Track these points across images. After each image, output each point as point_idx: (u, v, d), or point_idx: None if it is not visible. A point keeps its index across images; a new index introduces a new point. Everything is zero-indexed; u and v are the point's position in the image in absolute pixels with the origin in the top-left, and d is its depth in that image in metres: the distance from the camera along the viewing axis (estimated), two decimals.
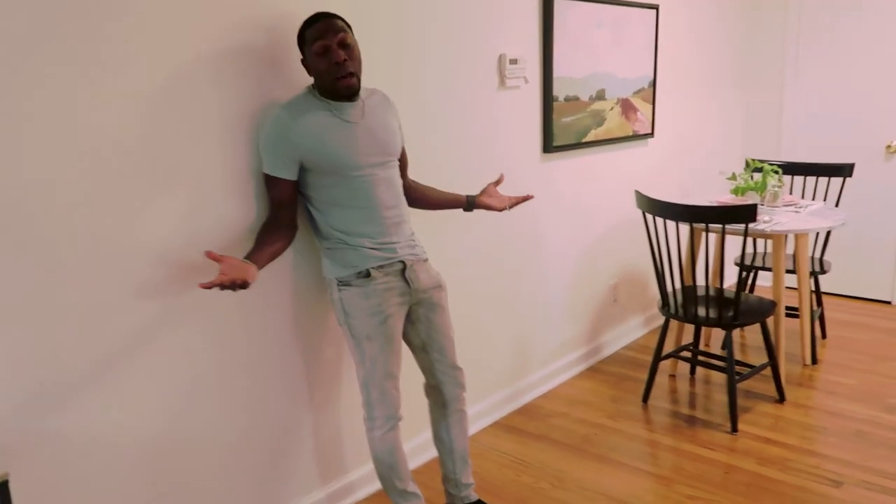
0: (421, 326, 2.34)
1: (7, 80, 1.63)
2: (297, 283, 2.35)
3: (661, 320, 4.45)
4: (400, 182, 2.30)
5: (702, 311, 3.11)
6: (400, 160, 2.36)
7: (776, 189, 3.33)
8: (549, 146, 3.30)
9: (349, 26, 2.11)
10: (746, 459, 2.85)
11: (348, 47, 2.08)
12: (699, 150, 4.60)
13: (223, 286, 1.84)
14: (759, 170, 3.46)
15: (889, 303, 4.66)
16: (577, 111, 3.44)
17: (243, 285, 1.87)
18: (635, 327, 4.21)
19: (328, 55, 2.05)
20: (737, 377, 3.10)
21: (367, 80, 2.44)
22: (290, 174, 2.12)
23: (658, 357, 3.34)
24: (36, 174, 1.71)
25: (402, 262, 2.24)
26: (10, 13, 1.62)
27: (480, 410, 3.14)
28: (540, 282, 3.42)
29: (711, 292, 3.33)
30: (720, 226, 3.01)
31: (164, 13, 1.90)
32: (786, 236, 3.29)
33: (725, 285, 4.88)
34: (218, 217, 2.10)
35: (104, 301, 1.87)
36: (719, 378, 3.63)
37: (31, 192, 1.70)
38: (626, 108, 3.79)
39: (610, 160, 3.77)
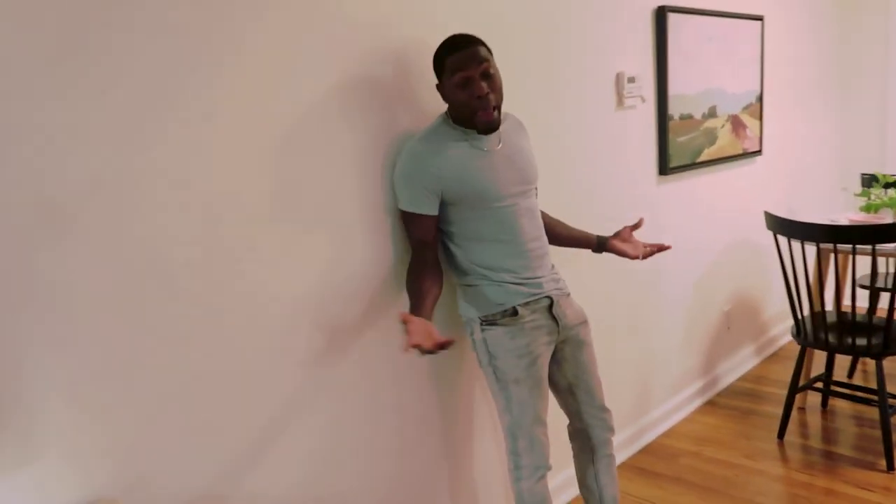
0: (567, 366, 2.17)
1: (134, 137, 1.52)
2: (435, 323, 2.19)
3: (773, 348, 4.19)
4: (539, 212, 2.14)
5: (848, 340, 2.87)
6: None
7: None
8: (664, 168, 3.12)
9: (490, 52, 1.96)
10: None
11: (490, 78, 1.92)
12: (804, 165, 4.36)
13: (425, 351, 1.68)
14: (892, 184, 3.22)
15: None
16: (691, 130, 3.25)
17: (445, 346, 1.70)
18: (748, 357, 3.96)
19: (470, 87, 1.89)
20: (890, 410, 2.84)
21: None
22: (431, 209, 1.97)
23: (795, 389, 3.09)
24: (170, 233, 1.59)
25: (549, 297, 2.08)
26: (128, 67, 1.51)
27: None
28: (657, 311, 3.22)
29: (856, 318, 3.08)
30: (853, 247, 2.78)
31: (279, 53, 1.78)
32: None
33: (846, 309, 4.59)
34: (359, 262, 1.96)
35: (257, 364, 1.73)
36: (856, 410, 3.36)
37: (173, 251, 1.58)
38: (736, 124, 3.59)
39: (721, 180, 3.57)
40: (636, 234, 2.98)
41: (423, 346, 1.68)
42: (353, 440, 1.99)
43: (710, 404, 3.53)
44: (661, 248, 2.33)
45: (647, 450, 3.12)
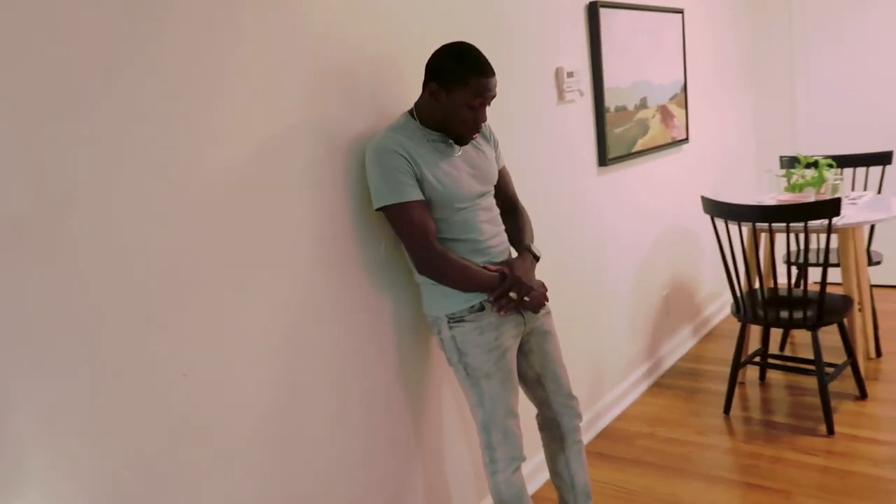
0: (534, 357, 2.20)
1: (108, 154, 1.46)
2: (398, 324, 2.18)
3: (708, 328, 4.37)
4: (497, 209, 2.16)
5: (784, 314, 3.02)
6: (502, 181, 2.22)
7: (837, 182, 3.28)
8: (604, 159, 3.20)
9: None
10: (857, 462, 2.75)
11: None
12: (726, 151, 4.56)
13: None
14: (813, 164, 3.41)
15: None
16: (626, 121, 3.35)
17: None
18: (686, 337, 4.11)
19: (477, 113, 1.94)
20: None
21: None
22: (417, 194, 1.92)
23: (737, 365, 3.23)
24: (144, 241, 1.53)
25: None
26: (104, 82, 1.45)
27: None
28: (604, 301, 3.30)
29: (791, 293, 3.25)
30: (787, 225, 2.93)
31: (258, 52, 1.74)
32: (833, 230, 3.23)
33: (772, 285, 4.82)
34: (327, 258, 1.93)
35: (220, 360, 1.68)
36: (791, 380, 3.54)
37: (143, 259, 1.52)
38: (665, 114, 3.72)
39: (654, 169, 3.70)
40: (587, 223, 3.07)
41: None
42: (323, 439, 1.96)
43: (657, 386, 3.65)
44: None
45: (603, 434, 3.20)
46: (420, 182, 1.92)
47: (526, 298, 2.04)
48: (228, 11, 1.67)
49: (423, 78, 1.99)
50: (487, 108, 2.00)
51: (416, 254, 1.96)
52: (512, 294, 2.01)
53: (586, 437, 3.13)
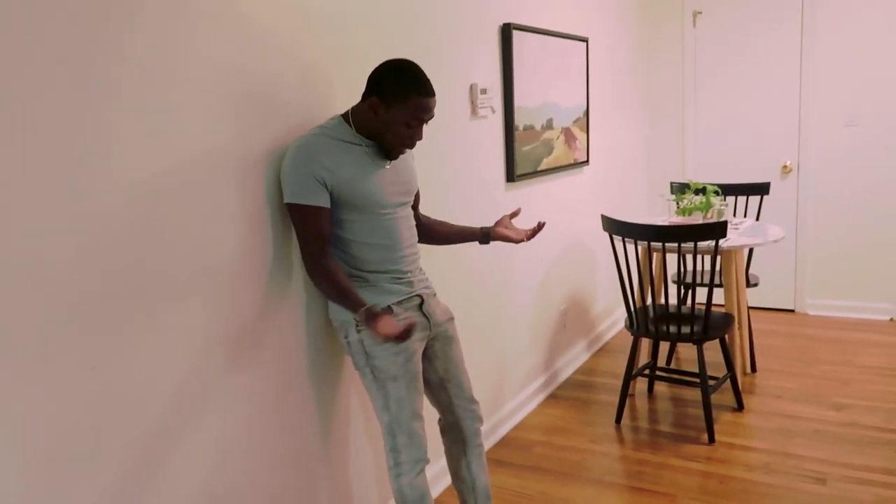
0: (438, 362, 2.25)
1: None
2: (309, 329, 2.18)
3: (601, 342, 4.56)
4: (414, 221, 2.22)
5: (673, 328, 3.21)
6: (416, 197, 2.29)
7: (722, 208, 3.53)
8: (511, 175, 3.32)
9: None
10: (734, 467, 2.95)
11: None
12: (622, 174, 4.81)
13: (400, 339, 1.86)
14: (701, 191, 3.66)
15: (793, 311, 5.05)
16: (533, 140, 3.49)
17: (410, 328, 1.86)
18: (581, 351, 4.28)
19: (414, 131, 1.99)
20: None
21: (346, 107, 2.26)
22: (324, 201, 1.96)
23: (629, 377, 3.40)
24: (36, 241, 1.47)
25: (420, 295, 2.16)
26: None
27: None
28: (507, 312, 3.40)
29: (680, 310, 3.45)
30: (678, 245, 3.13)
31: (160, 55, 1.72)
32: (720, 253, 3.49)
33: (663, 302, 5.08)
34: (238, 262, 1.91)
35: (120, 359, 1.63)
36: (676, 393, 3.76)
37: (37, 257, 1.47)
38: (568, 136, 3.89)
39: (557, 187, 3.85)
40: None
41: (396, 333, 1.84)
42: (228, 442, 1.93)
43: (553, 397, 3.78)
44: (539, 228, 2.44)
45: (502, 442, 3.28)
46: (336, 186, 1.95)
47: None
48: (136, 12, 1.64)
49: (341, 87, 2.03)
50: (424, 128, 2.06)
51: (305, 257, 2.00)
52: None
53: (486, 444, 3.20)
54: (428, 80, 1.98)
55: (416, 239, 2.21)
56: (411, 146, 2.03)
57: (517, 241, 2.43)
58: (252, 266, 1.95)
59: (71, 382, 1.50)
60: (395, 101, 1.94)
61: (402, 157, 2.15)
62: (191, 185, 1.76)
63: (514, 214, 2.46)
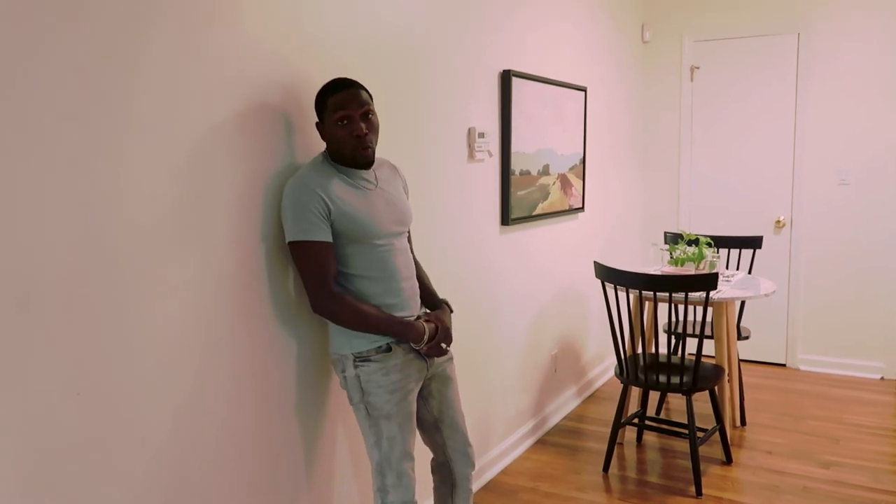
0: (434, 402, 2.24)
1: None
2: (301, 361, 2.17)
3: (591, 389, 4.54)
4: (410, 253, 2.23)
5: (663, 378, 3.20)
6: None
7: (714, 260, 3.55)
8: (506, 218, 3.34)
9: (371, 97, 2.05)
10: None
11: (369, 120, 2.02)
12: (616, 222, 4.85)
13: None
14: (694, 242, 3.69)
15: (784, 365, 5.04)
16: (529, 185, 3.52)
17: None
18: (571, 397, 4.25)
19: (350, 126, 1.98)
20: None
21: None
22: (326, 235, 1.96)
23: (618, 425, 3.38)
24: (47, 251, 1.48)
25: None
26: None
27: None
28: (496, 354, 3.39)
29: (671, 359, 3.45)
30: (669, 294, 3.15)
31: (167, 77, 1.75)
32: (709, 305, 3.50)
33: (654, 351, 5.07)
34: (229, 287, 1.92)
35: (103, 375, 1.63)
36: (665, 443, 3.73)
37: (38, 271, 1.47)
38: (564, 183, 3.93)
39: (551, 233, 3.88)
40: (484, 279, 3.16)
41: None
42: (211, 469, 1.91)
43: (541, 442, 3.75)
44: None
45: (488, 487, 3.24)
46: (335, 220, 1.96)
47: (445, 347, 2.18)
48: (140, 33, 1.68)
49: None
50: (370, 123, 2.03)
51: (311, 292, 1.99)
52: (443, 345, 2.15)
53: (472, 487, 3.16)
54: (343, 79, 2.02)
55: (414, 272, 2.20)
56: (360, 143, 1.98)
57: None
58: (245, 298, 1.95)
59: (55, 409, 1.49)
60: (321, 112, 2.02)
61: (390, 185, 2.15)
62: (187, 213, 1.77)
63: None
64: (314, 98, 2.06)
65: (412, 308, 2.15)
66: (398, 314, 2.09)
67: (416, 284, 2.20)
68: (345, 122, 1.97)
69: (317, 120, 2.05)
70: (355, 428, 2.36)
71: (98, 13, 1.54)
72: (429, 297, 2.29)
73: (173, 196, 1.73)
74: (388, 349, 2.06)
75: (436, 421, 2.25)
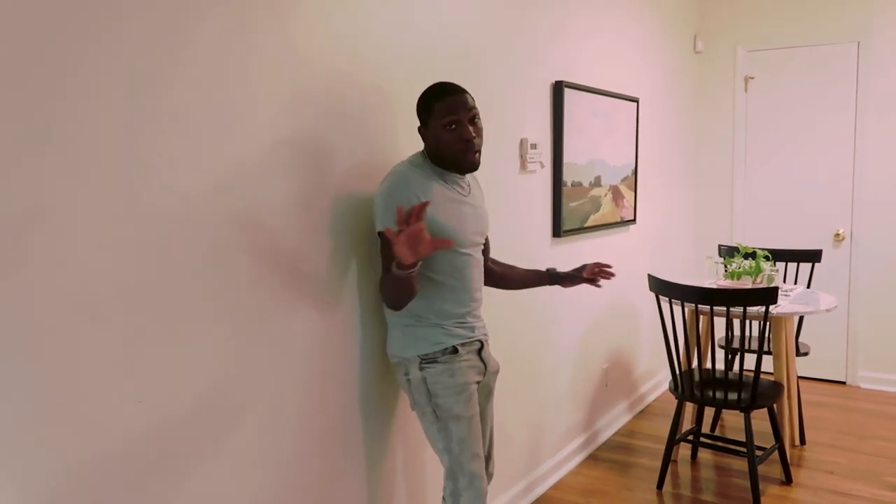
0: None
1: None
2: (364, 361, 2.18)
3: (643, 404, 4.46)
4: (483, 265, 2.24)
5: (720, 394, 3.13)
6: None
7: (773, 273, 3.46)
8: (558, 230, 3.31)
9: (474, 100, 2.07)
10: None
11: (476, 124, 2.05)
12: (669, 234, 4.77)
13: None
14: (751, 255, 3.60)
15: (844, 383, 4.88)
16: (581, 196, 3.49)
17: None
18: (622, 412, 4.18)
19: (458, 130, 2.00)
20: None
21: (405, 151, 2.29)
22: None
23: (672, 441, 3.31)
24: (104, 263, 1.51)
25: (480, 340, 2.16)
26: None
27: None
28: (549, 367, 3.35)
29: (728, 375, 3.36)
30: (727, 308, 3.07)
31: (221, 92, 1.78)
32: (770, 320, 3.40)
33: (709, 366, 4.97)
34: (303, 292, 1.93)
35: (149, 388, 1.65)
36: (721, 461, 3.63)
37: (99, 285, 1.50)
38: (616, 194, 3.89)
39: (603, 244, 3.83)
40: (536, 292, 3.13)
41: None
42: (273, 478, 1.92)
43: (593, 458, 3.69)
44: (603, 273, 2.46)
45: (539, 502, 3.20)
46: (425, 220, 1.95)
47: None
48: (213, 25, 1.71)
49: (405, 115, 2.16)
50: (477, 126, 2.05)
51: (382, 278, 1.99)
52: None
53: (522, 502, 3.12)
54: (448, 84, 2.04)
55: (483, 284, 2.22)
56: (468, 148, 2.01)
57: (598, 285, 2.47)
58: (309, 297, 1.97)
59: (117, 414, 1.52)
60: (428, 118, 2.04)
61: (475, 195, 2.18)
62: (252, 209, 1.80)
63: (597, 269, 2.46)
64: (415, 103, 2.10)
65: (477, 319, 2.16)
66: (464, 320, 2.11)
67: (482, 296, 2.21)
68: (453, 126, 2.00)
69: (419, 126, 2.09)
70: (414, 435, 2.36)
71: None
72: (534, 276, 2.47)
73: (234, 197, 1.76)
74: (455, 350, 2.07)
75: None
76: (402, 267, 1.80)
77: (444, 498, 2.09)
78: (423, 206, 1.74)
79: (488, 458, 2.31)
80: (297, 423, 1.98)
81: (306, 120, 1.95)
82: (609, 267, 2.48)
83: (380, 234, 1.99)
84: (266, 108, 1.83)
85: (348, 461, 2.17)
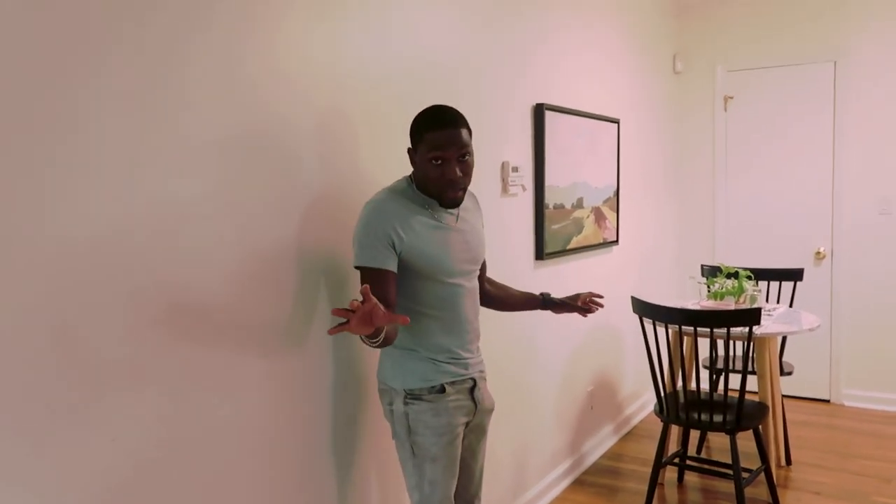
0: (464, 451, 2.16)
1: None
2: (336, 388, 2.13)
3: (628, 427, 4.43)
4: (478, 294, 2.18)
5: (705, 416, 3.10)
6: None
7: (755, 293, 3.46)
8: (541, 252, 3.30)
9: (471, 134, 1.96)
10: None
11: (465, 163, 1.95)
12: (651, 255, 4.77)
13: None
14: (733, 275, 3.60)
15: (828, 401, 4.88)
16: (563, 219, 3.48)
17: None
18: (608, 435, 4.15)
19: (443, 168, 1.91)
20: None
21: (379, 180, 2.22)
22: (391, 265, 1.90)
23: (658, 465, 3.28)
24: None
25: (473, 379, 2.09)
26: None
27: None
28: (534, 390, 3.32)
29: (713, 397, 3.34)
30: (711, 330, 3.06)
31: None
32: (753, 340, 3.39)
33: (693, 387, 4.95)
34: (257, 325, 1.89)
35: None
36: (707, 484, 3.60)
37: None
38: (598, 216, 3.88)
39: (586, 266, 3.82)
40: (521, 317, 3.10)
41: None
42: (244, 484, 1.87)
43: (579, 482, 3.65)
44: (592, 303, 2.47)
45: None
46: (404, 252, 1.91)
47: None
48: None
49: (381, 141, 2.10)
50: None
51: None
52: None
53: None
54: (445, 114, 1.92)
55: (478, 315, 2.15)
56: (452, 186, 1.92)
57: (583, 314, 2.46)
58: (265, 344, 1.93)
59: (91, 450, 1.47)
60: (417, 144, 1.94)
61: (470, 221, 2.10)
62: (222, 228, 1.76)
63: (590, 298, 2.48)
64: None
65: (472, 351, 2.09)
66: (457, 355, 2.03)
67: (478, 326, 2.14)
68: (439, 161, 1.90)
69: (409, 146, 1.99)
70: (389, 463, 2.31)
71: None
72: (527, 298, 2.45)
73: (206, 213, 1.72)
74: (442, 390, 2.00)
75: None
76: (367, 338, 1.75)
77: None
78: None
79: (475, 496, 2.24)
80: (263, 453, 1.93)
81: (262, 149, 1.92)
82: (601, 297, 2.46)
83: (360, 268, 1.92)
84: (212, 132, 1.80)
85: (322, 500, 2.12)
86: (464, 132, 1.92)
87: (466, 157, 1.94)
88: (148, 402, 1.59)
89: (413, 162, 1.99)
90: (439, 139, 1.89)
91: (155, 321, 1.59)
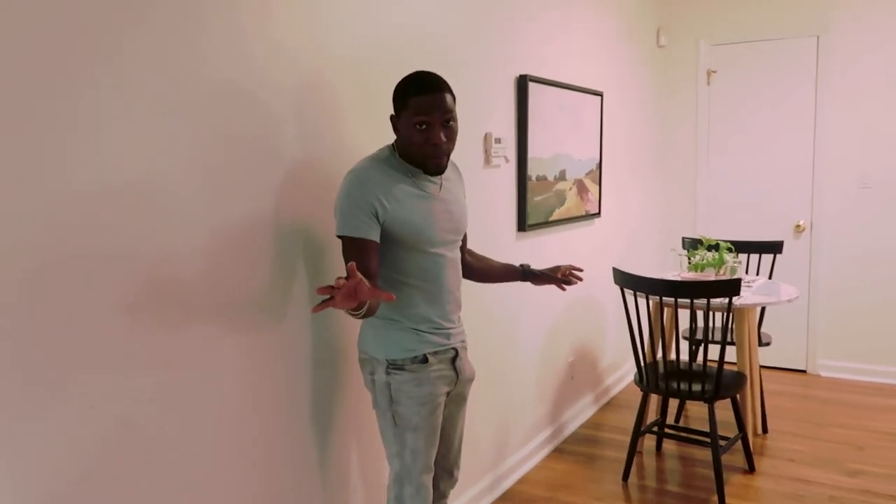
0: (444, 420, 2.18)
1: None
2: (316, 359, 2.14)
3: (608, 397, 4.49)
4: (461, 264, 2.18)
5: (684, 386, 3.15)
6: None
7: (735, 265, 3.50)
8: (523, 224, 3.31)
9: (454, 99, 1.95)
10: None
11: (449, 128, 1.94)
12: (634, 227, 4.80)
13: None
14: (714, 247, 3.63)
15: (804, 371, 4.97)
16: (545, 191, 3.49)
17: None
18: (588, 405, 4.20)
19: (427, 132, 1.90)
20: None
21: (364, 150, 2.21)
22: (374, 234, 1.90)
23: (637, 433, 3.33)
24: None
25: (455, 349, 2.10)
26: None
27: (466, 503, 2.97)
28: (514, 362, 3.35)
29: (692, 366, 3.39)
30: (691, 301, 3.10)
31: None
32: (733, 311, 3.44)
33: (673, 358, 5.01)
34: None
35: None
36: (685, 452, 3.67)
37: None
38: (581, 188, 3.89)
39: (568, 238, 3.84)
40: (501, 287, 3.12)
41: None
42: (223, 471, 1.88)
43: (558, 451, 3.70)
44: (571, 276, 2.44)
45: (505, 497, 3.20)
46: (387, 221, 1.91)
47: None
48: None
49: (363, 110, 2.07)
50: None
51: None
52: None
53: (489, 498, 3.12)
54: (430, 79, 1.91)
55: (460, 285, 2.15)
56: (435, 153, 1.92)
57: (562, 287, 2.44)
58: (245, 318, 1.93)
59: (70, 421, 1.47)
60: (401, 110, 1.93)
61: (453, 191, 2.09)
62: (199, 205, 1.75)
63: (569, 271, 2.45)
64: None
65: (454, 321, 2.10)
66: (439, 325, 2.04)
67: (461, 298, 2.14)
68: (423, 126, 1.89)
69: (392, 114, 1.97)
70: (369, 431, 2.33)
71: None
72: (508, 270, 2.42)
73: (184, 189, 1.71)
74: (425, 360, 2.00)
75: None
76: (350, 310, 1.75)
77: (388, 501, 2.06)
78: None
79: (454, 465, 2.26)
80: (241, 427, 1.94)
81: (243, 118, 1.91)
82: (580, 270, 2.47)
83: (342, 238, 1.91)
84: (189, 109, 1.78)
85: (303, 472, 2.13)
86: (448, 97, 1.92)
87: (451, 123, 1.94)
88: (124, 379, 1.59)
89: (396, 129, 1.97)
90: (424, 104, 1.88)
91: (127, 295, 1.58)
